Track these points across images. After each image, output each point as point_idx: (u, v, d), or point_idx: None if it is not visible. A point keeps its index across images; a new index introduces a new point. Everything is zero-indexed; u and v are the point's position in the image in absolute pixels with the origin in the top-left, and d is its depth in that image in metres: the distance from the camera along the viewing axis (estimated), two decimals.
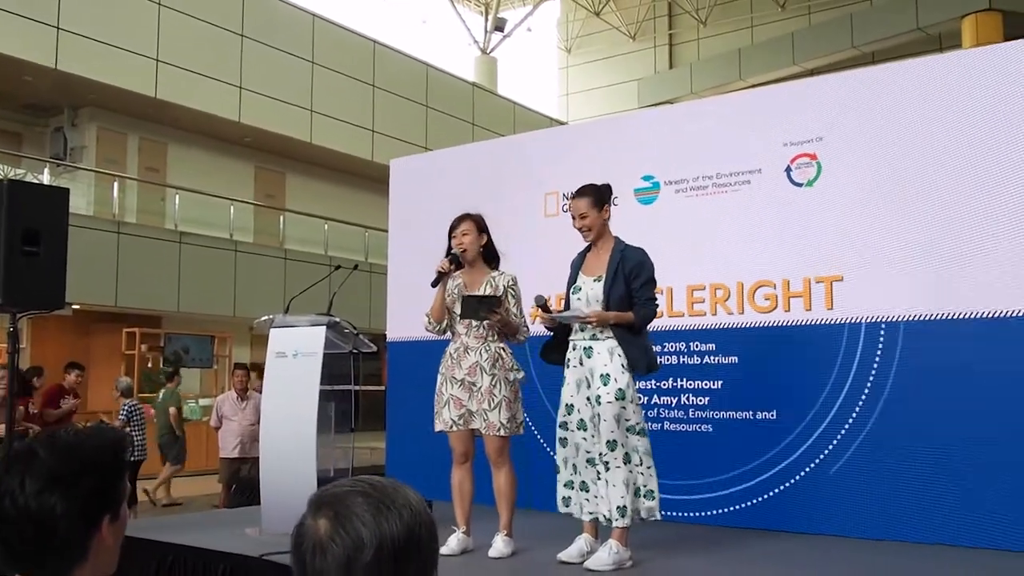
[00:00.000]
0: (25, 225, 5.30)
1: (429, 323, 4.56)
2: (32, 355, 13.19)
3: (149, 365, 15.07)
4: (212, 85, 15.25)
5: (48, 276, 5.39)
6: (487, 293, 4.43)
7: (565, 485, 4.28)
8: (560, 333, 4.33)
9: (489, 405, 4.33)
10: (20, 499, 1.33)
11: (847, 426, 4.90)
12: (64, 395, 8.84)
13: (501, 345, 4.45)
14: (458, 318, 4.46)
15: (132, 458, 8.29)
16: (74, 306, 12.97)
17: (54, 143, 15.19)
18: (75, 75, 13.51)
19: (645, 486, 4.10)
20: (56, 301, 5.48)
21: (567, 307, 4.31)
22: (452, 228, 4.55)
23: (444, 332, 4.57)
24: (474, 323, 4.42)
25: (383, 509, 1.21)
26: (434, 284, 4.48)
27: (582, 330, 4.20)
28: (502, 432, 4.33)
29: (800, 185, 5.20)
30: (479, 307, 4.32)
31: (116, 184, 14.62)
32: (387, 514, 1.21)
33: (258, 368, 8.97)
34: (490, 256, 4.58)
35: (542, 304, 4.22)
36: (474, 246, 4.50)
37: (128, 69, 14.07)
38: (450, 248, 4.52)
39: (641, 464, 4.10)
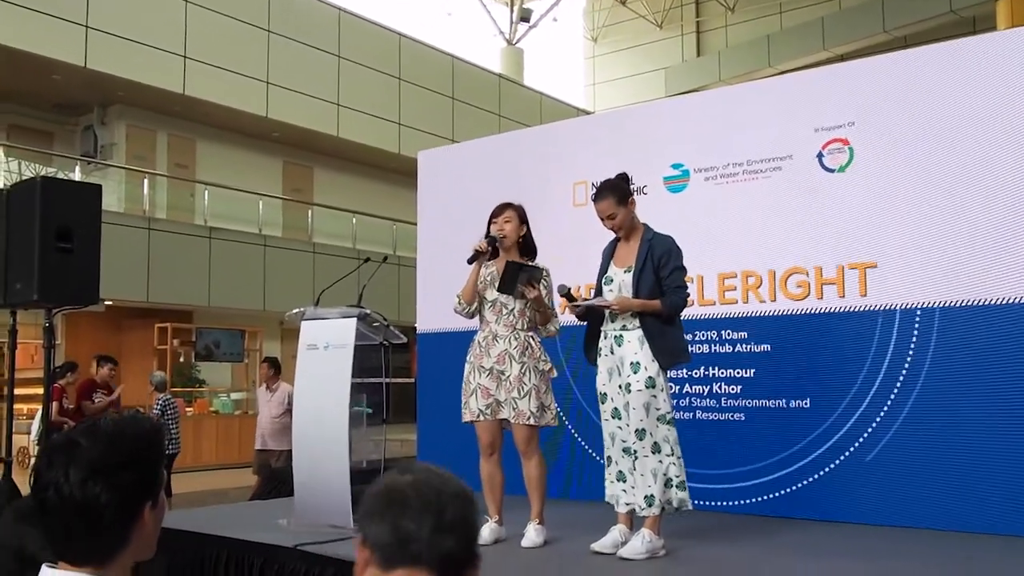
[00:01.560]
0: (59, 222, 5.36)
1: (459, 304, 4.53)
2: (66, 351, 13.36)
3: (181, 359, 15.22)
4: (239, 80, 15.35)
5: (82, 272, 5.46)
6: (536, 265, 4.38)
7: (612, 481, 4.25)
8: (594, 323, 4.30)
9: (519, 393, 4.31)
10: (65, 489, 1.36)
11: (882, 414, 4.85)
12: (96, 389, 8.93)
13: (530, 334, 4.42)
14: (494, 295, 4.41)
15: (168, 451, 8.38)
16: (107, 302, 13.13)
17: (84, 141, 15.36)
18: (104, 73, 13.66)
19: (677, 476, 4.07)
20: (90, 296, 5.54)
21: (598, 296, 4.28)
22: (494, 214, 4.53)
23: (472, 316, 4.54)
24: (504, 311, 4.40)
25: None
26: (470, 261, 4.44)
27: (613, 320, 4.18)
28: (531, 421, 4.30)
29: (832, 171, 5.14)
30: (519, 275, 4.26)
31: (146, 181, 14.76)
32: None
33: (271, 361, 9.04)
34: (527, 248, 4.56)
35: (565, 293, 4.21)
36: (514, 234, 4.48)
37: (156, 66, 14.19)
38: (488, 232, 4.50)
39: (672, 454, 4.07)
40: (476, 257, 4.42)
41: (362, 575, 1.25)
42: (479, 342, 4.48)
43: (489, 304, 4.47)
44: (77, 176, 13.95)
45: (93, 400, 8.80)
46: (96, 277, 5.54)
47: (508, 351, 4.36)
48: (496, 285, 4.38)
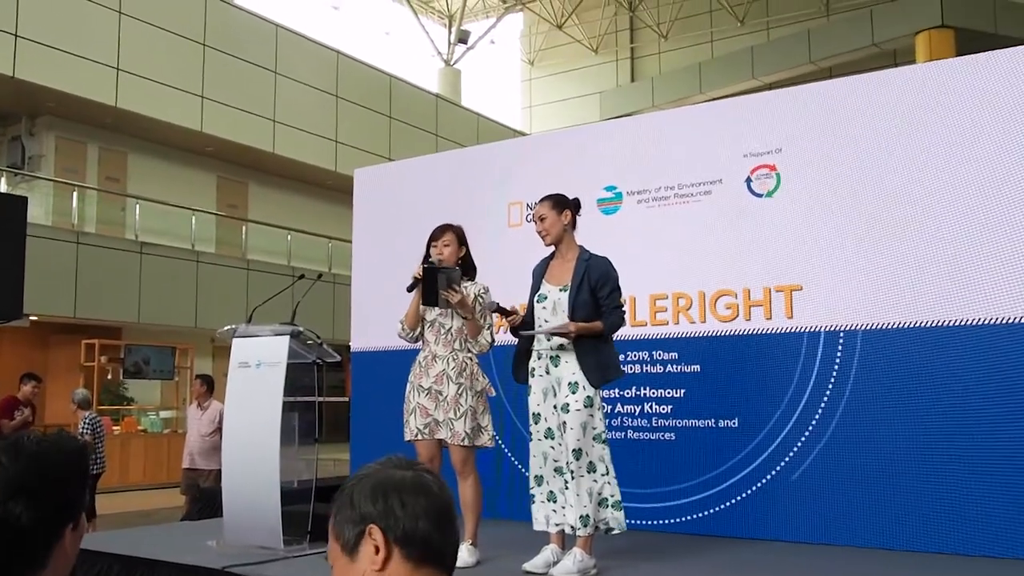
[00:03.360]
0: None
1: (403, 329, 4.56)
2: None
3: (109, 377, 14.86)
4: (173, 94, 15.12)
5: (5, 286, 5.33)
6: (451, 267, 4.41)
7: (543, 502, 4.27)
8: (525, 342, 4.35)
9: (455, 414, 4.34)
10: None
11: (807, 433, 4.97)
12: (19, 406, 8.69)
13: (469, 355, 4.46)
14: (433, 315, 4.44)
15: (93, 471, 8.18)
16: (32, 317, 12.78)
17: (11, 152, 14.96)
18: (33, 83, 13.33)
19: (612, 496, 4.12)
20: (13, 311, 5.42)
21: (530, 315, 4.32)
22: (433, 237, 4.55)
23: (417, 340, 4.57)
24: (442, 331, 4.42)
25: None
26: (410, 289, 4.46)
27: (548, 339, 4.22)
28: (466, 442, 4.33)
29: (760, 196, 5.28)
30: (438, 279, 4.25)
31: (75, 194, 14.43)
32: None
33: (204, 379, 8.89)
34: (467, 268, 4.59)
35: (496, 309, 4.26)
36: (453, 257, 4.50)
37: (88, 77, 13.91)
38: (427, 256, 4.52)
39: (608, 473, 4.12)
40: (416, 284, 4.44)
41: (373, 563, 1.29)
42: (419, 362, 4.50)
43: (429, 324, 4.49)
44: (3, 188, 13.59)
45: (15, 418, 8.57)
46: (20, 291, 5.42)
47: (446, 371, 4.39)
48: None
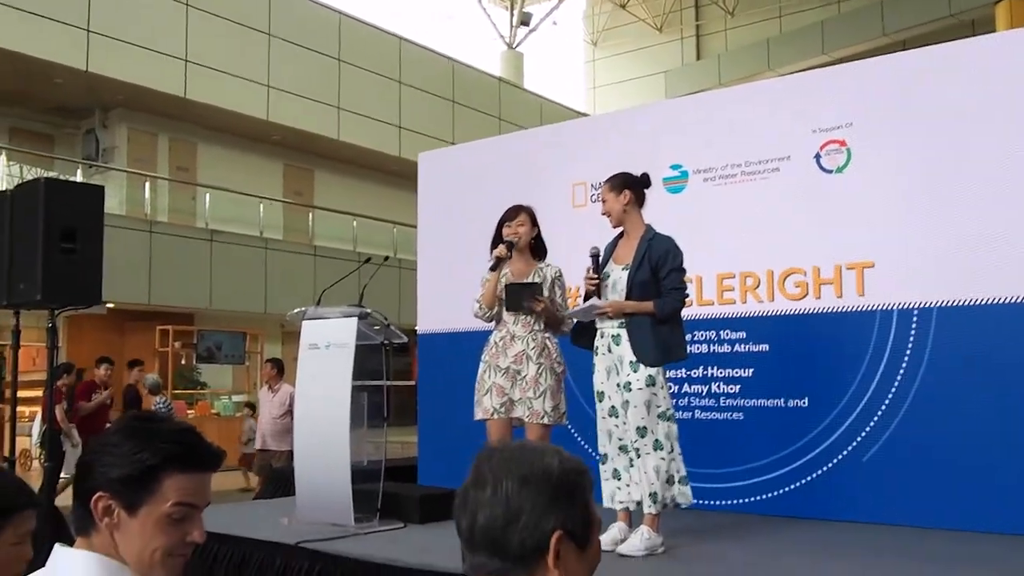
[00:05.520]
0: (62, 223, 5.38)
1: (480, 309, 4.58)
2: (68, 353, 13.36)
3: (183, 362, 15.24)
4: (240, 84, 15.38)
5: (85, 273, 5.47)
6: (532, 281, 4.46)
7: (607, 479, 4.27)
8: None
9: (535, 393, 4.37)
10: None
11: (880, 413, 4.88)
12: (96, 389, 8.99)
13: (547, 335, 4.49)
14: (501, 295, 4.49)
15: None
16: (109, 304, 13.14)
17: (86, 145, 15.39)
18: (105, 76, 13.69)
19: (679, 472, 4.11)
20: (93, 297, 5.56)
21: (589, 294, 4.30)
22: (507, 217, 4.58)
23: (492, 319, 4.59)
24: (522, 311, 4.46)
25: None
26: (493, 268, 4.49)
27: (611, 317, 4.21)
28: (546, 420, 4.37)
29: (830, 172, 5.17)
30: (522, 294, 4.34)
31: (147, 184, 14.79)
32: None
33: (275, 362, 9.07)
34: (539, 249, 4.64)
35: (595, 254, 4.25)
36: (527, 236, 4.56)
37: (157, 69, 14.23)
38: (499, 236, 4.54)
39: (674, 451, 4.10)
40: (498, 264, 4.47)
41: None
42: (495, 342, 4.52)
43: (505, 307, 4.51)
44: (79, 180, 13.97)
45: (91, 400, 8.88)
46: (99, 278, 5.56)
47: (526, 351, 4.42)
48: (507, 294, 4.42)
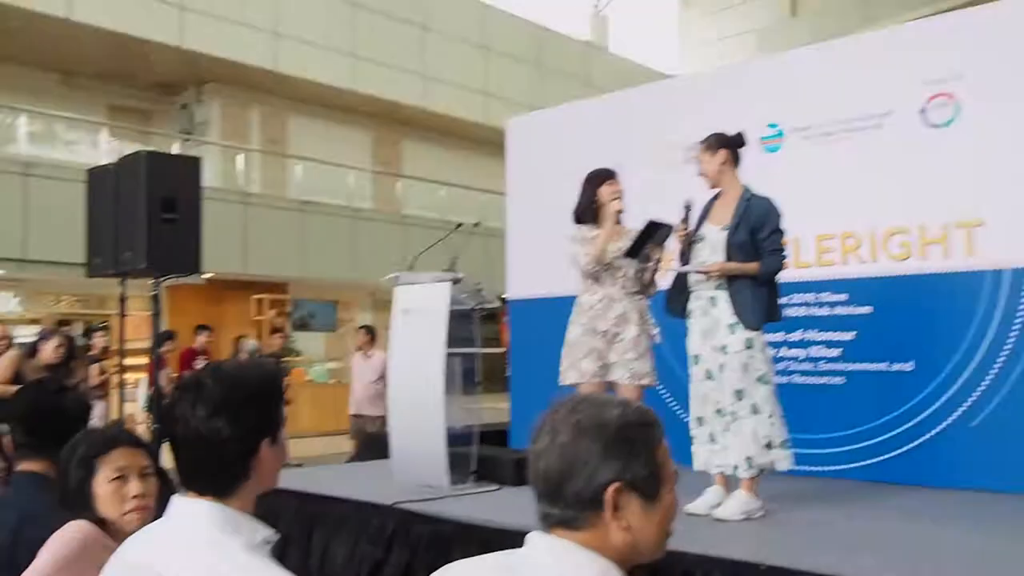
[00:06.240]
0: (163, 193, 5.54)
1: (589, 262, 4.41)
2: (169, 323, 13.77)
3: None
4: (327, 55, 15.57)
5: (185, 242, 5.64)
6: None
7: (702, 443, 4.20)
8: (681, 278, 4.27)
9: (634, 355, 4.34)
10: (192, 423, 1.48)
11: (989, 378, 4.68)
12: (196, 356, 9.29)
13: (641, 298, 4.46)
14: (619, 258, 4.36)
15: None
16: (206, 274, 13.52)
17: (181, 119, 15.81)
18: (199, 52, 14.01)
19: (779, 436, 4.02)
20: (194, 265, 5.72)
21: (684, 253, 4.21)
22: (608, 176, 4.51)
23: (593, 275, 4.46)
24: (618, 274, 4.39)
25: None
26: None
27: (707, 279, 4.12)
28: (646, 381, 4.36)
29: (937, 126, 4.95)
30: (663, 232, 4.21)
31: (241, 156, 15.12)
32: None
33: (368, 329, 9.20)
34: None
35: (688, 206, 4.17)
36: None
37: (248, 44, 14.51)
38: (592, 193, 4.49)
39: (773, 415, 4.01)
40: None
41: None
42: (591, 305, 4.45)
43: (605, 267, 4.45)
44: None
45: (192, 367, 9.17)
46: (198, 247, 5.72)
47: (627, 313, 4.38)
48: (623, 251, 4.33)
